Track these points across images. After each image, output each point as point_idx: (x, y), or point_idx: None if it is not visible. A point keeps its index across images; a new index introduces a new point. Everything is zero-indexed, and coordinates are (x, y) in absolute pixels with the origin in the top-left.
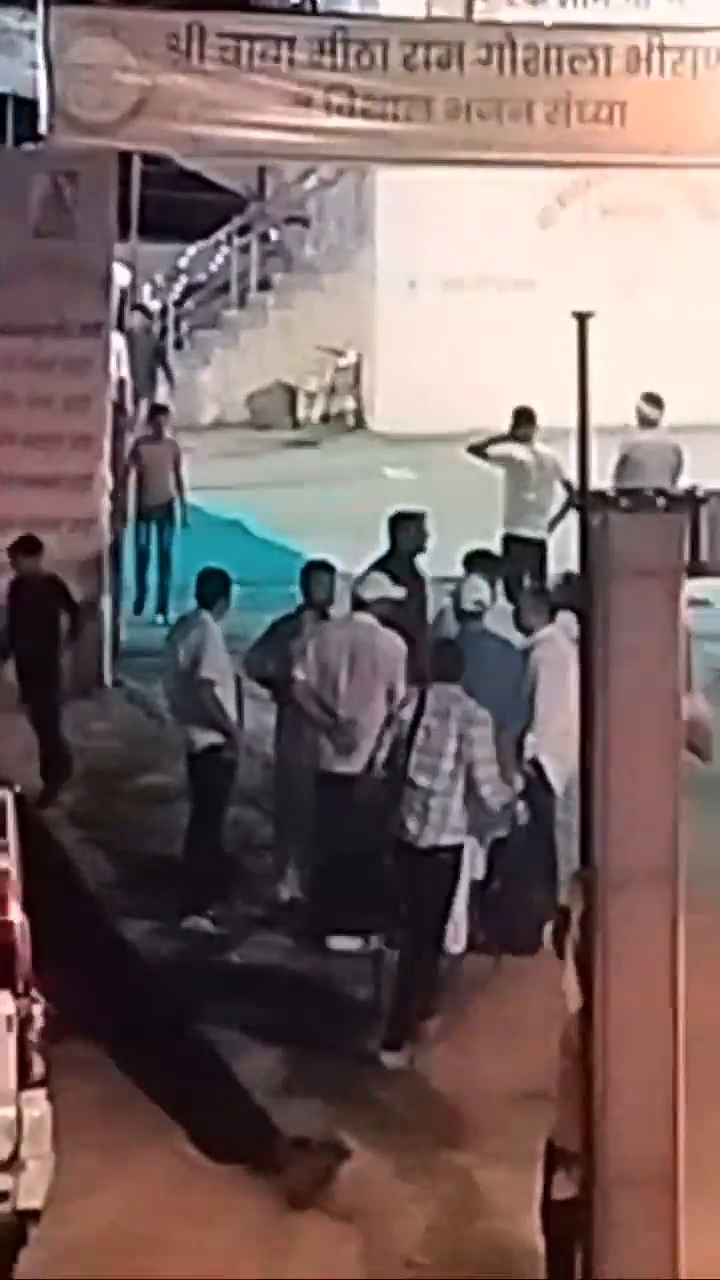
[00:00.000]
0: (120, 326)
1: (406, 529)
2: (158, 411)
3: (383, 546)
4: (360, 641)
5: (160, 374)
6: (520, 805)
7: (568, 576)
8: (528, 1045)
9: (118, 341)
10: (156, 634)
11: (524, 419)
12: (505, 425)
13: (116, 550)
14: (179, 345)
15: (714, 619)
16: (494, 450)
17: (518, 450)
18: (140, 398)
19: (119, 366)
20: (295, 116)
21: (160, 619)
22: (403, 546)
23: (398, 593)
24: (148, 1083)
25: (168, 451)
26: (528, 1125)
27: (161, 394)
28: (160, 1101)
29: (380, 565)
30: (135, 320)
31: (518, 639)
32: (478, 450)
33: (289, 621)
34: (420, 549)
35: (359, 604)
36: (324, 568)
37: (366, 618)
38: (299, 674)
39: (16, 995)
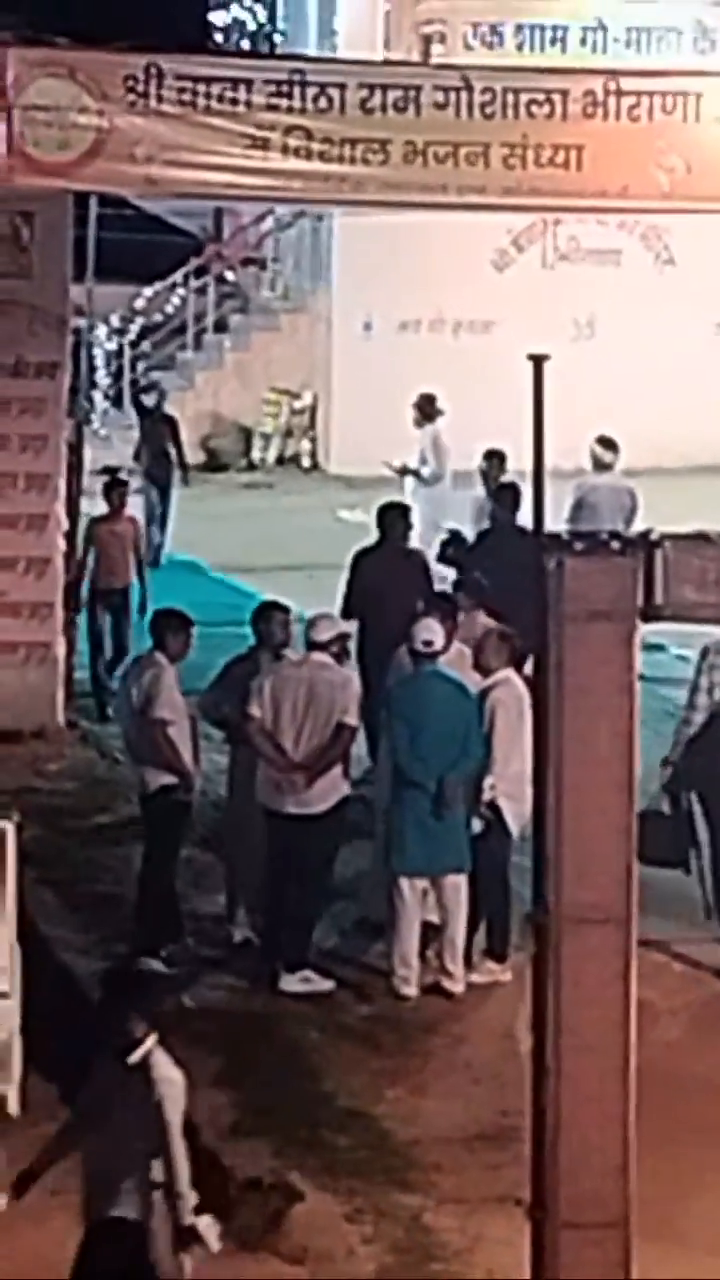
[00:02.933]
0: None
1: (394, 516)
2: (116, 485)
3: (333, 590)
4: (317, 680)
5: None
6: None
7: (454, 534)
8: (480, 1086)
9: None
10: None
11: (494, 460)
12: (459, 466)
13: (71, 591)
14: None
15: (668, 664)
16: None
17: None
18: (156, 485)
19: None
20: (252, 158)
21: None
22: (394, 531)
23: (350, 628)
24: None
25: (127, 530)
26: (480, 1167)
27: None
28: None
29: (373, 550)
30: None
31: (474, 681)
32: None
33: (242, 662)
34: (408, 533)
35: (313, 645)
36: (278, 608)
37: (322, 656)
38: (254, 711)
39: None
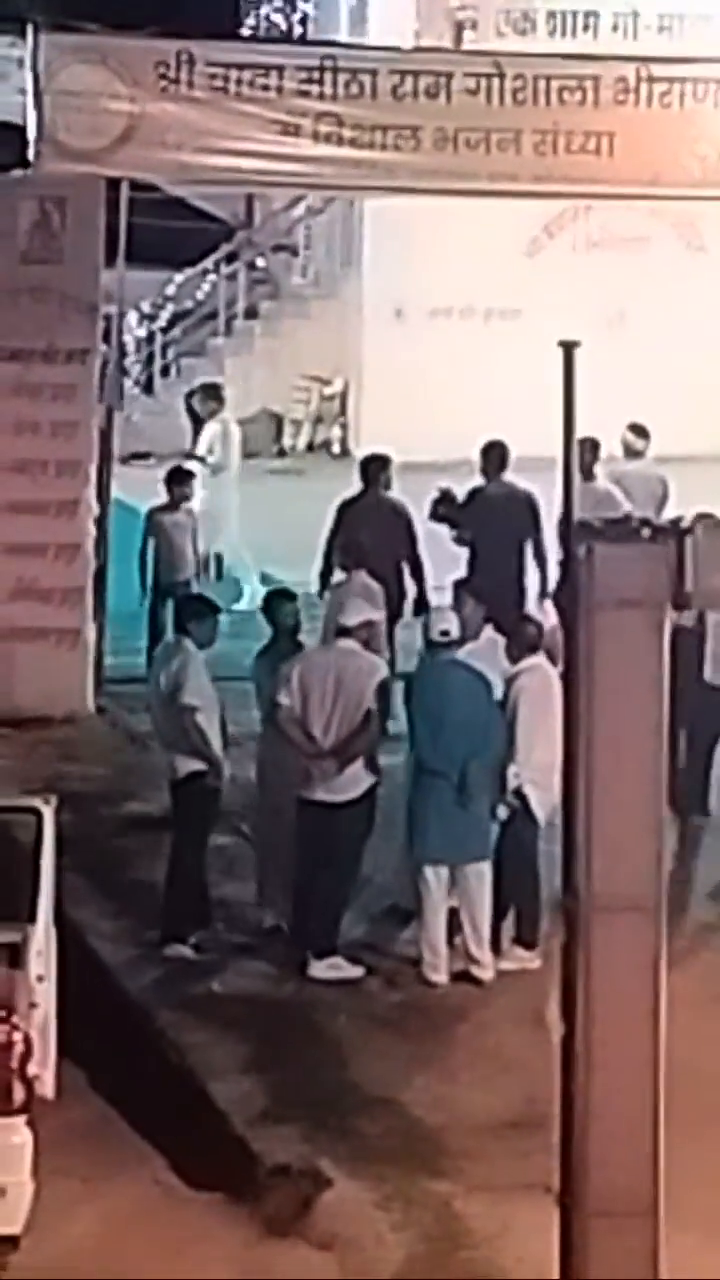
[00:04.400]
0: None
1: (376, 467)
2: (179, 475)
3: None
4: (345, 667)
5: None
6: None
7: (444, 492)
8: (509, 1074)
9: None
10: (141, 661)
11: (584, 446)
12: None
13: (101, 576)
14: (165, 373)
15: None
16: None
17: None
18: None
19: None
20: (283, 145)
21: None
22: (377, 481)
23: (378, 615)
24: (127, 1109)
25: (188, 522)
26: (509, 1154)
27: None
28: (139, 1128)
29: (356, 500)
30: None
31: (503, 669)
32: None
33: (267, 652)
34: (389, 483)
35: (341, 631)
36: (286, 595)
37: (349, 643)
38: (283, 699)
39: None
